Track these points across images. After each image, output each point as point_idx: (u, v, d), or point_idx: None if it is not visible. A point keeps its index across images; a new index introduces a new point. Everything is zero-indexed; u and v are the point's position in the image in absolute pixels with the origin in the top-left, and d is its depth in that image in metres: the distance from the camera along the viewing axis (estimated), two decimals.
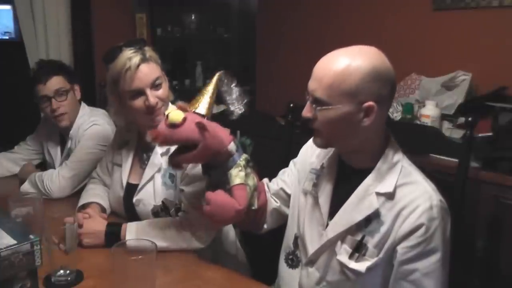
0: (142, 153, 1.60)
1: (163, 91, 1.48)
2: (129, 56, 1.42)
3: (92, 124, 1.93)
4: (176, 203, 1.49)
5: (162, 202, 1.50)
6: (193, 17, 3.50)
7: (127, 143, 1.64)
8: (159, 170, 1.51)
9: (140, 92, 1.44)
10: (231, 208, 1.19)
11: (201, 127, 1.18)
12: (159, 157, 1.52)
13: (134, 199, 1.53)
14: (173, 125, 1.17)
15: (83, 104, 2.04)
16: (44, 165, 2.14)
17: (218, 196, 1.19)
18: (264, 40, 3.46)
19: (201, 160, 1.28)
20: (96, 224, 1.43)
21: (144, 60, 1.43)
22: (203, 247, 1.43)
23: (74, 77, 2.02)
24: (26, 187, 1.84)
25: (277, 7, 3.33)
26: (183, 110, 1.21)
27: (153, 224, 1.44)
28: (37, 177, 1.83)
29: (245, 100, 1.28)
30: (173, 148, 1.41)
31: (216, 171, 1.25)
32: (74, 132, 1.97)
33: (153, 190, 1.51)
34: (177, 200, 1.49)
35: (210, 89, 1.27)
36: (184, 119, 1.17)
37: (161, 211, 1.50)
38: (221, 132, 1.24)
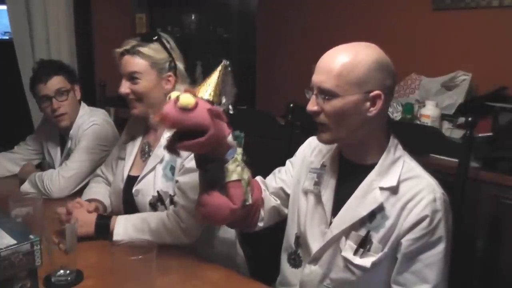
0: (145, 146, 1.62)
1: (139, 87, 1.52)
2: (122, 45, 1.53)
3: (92, 124, 1.93)
4: (171, 194, 1.49)
5: (158, 192, 1.50)
6: (193, 17, 3.50)
7: (133, 138, 1.66)
8: (161, 161, 1.53)
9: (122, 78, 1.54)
10: (226, 208, 1.17)
11: (214, 114, 1.13)
12: (162, 149, 1.52)
13: (134, 189, 1.54)
14: (185, 109, 1.11)
15: (83, 104, 2.04)
16: (43, 165, 2.14)
17: (212, 198, 1.18)
18: (264, 39, 3.46)
19: (204, 149, 1.21)
20: (86, 215, 1.45)
21: (129, 51, 1.51)
22: (191, 242, 1.43)
23: (74, 77, 2.03)
24: (26, 187, 1.84)
25: (277, 6, 3.32)
26: (192, 94, 1.15)
27: (141, 218, 1.45)
28: (37, 177, 1.83)
29: (233, 100, 1.26)
30: None
31: (213, 165, 1.22)
32: (74, 132, 1.97)
33: (153, 181, 1.52)
34: (173, 193, 1.49)
35: (215, 77, 1.24)
36: (196, 104, 1.12)
37: (156, 201, 1.51)
38: (224, 122, 1.21)
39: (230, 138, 1.23)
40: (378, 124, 1.15)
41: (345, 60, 1.09)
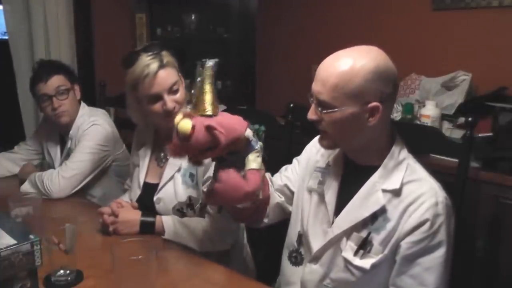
0: (159, 152, 1.63)
1: (180, 95, 1.52)
2: (147, 63, 1.47)
3: (92, 124, 1.93)
4: (200, 201, 1.52)
5: (189, 197, 1.53)
6: (193, 17, 3.49)
7: (144, 144, 1.67)
8: (179, 170, 1.55)
9: (158, 97, 1.49)
10: (241, 189, 1.16)
11: (211, 129, 1.13)
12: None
13: (155, 198, 1.56)
14: (185, 138, 1.14)
15: (83, 104, 2.04)
16: (43, 165, 2.14)
17: (229, 175, 1.16)
18: (264, 40, 3.46)
19: (224, 151, 1.21)
20: (130, 213, 1.48)
21: (161, 66, 1.48)
22: (228, 248, 1.50)
23: (74, 77, 2.03)
24: (26, 187, 1.84)
25: (277, 7, 3.32)
26: (189, 116, 1.16)
27: (186, 224, 1.48)
28: (37, 177, 1.83)
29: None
30: None
31: (232, 156, 1.22)
32: (73, 132, 1.97)
33: (173, 189, 1.54)
34: (201, 198, 1.52)
35: (207, 84, 1.24)
36: (193, 128, 1.13)
37: (186, 207, 1.53)
38: (234, 121, 1.20)
39: (249, 132, 1.21)
40: (379, 130, 1.15)
41: (342, 71, 1.08)
